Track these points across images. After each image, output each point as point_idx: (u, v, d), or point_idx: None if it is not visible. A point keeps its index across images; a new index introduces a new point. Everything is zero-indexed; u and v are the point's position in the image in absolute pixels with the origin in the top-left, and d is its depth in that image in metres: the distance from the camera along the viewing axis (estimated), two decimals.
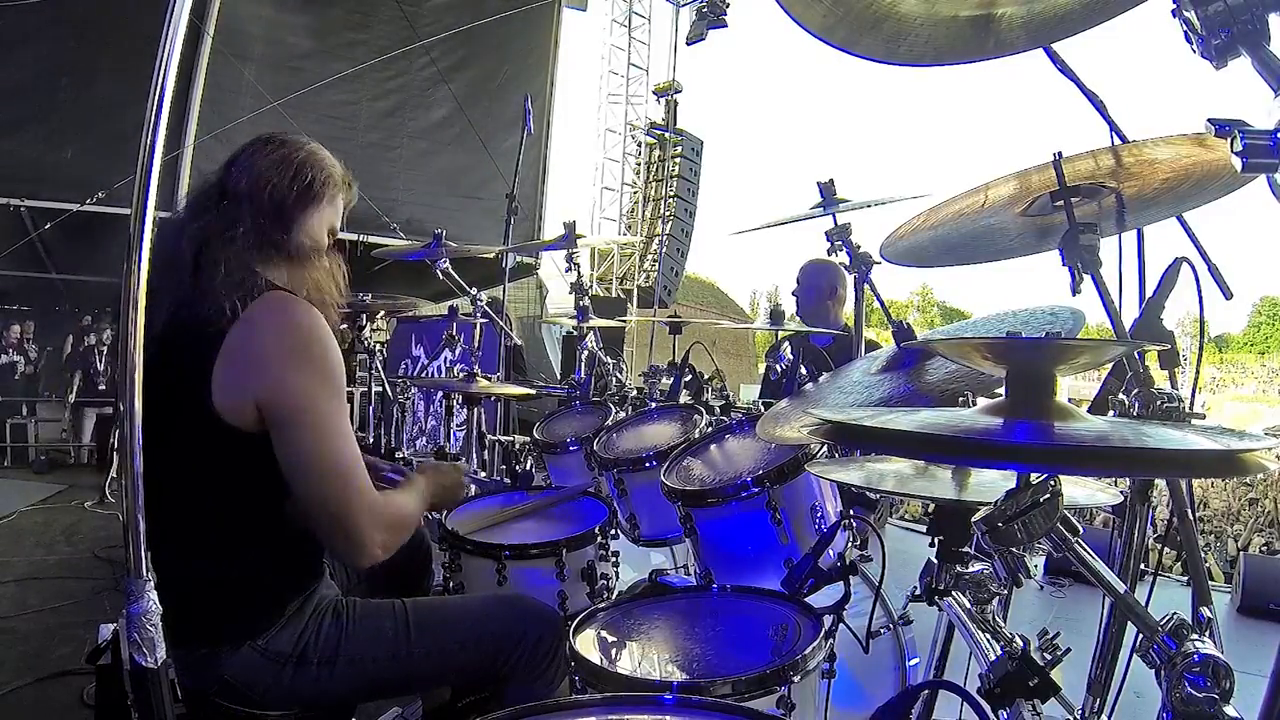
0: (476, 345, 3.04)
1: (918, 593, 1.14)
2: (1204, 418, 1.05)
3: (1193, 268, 1.07)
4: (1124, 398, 1.05)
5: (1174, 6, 0.71)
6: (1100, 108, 1.20)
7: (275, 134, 1.51)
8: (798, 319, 3.28)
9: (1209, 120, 0.70)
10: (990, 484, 1.15)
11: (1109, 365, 1.10)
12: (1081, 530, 0.81)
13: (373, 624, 1.42)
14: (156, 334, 1.36)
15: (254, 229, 1.38)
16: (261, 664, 1.32)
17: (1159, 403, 1.01)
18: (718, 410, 2.25)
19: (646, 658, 1.21)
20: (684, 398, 2.46)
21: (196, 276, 1.33)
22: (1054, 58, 1.15)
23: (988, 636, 1.01)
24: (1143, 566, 1.19)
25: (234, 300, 1.29)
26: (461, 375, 2.75)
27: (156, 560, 1.37)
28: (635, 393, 2.87)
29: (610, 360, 2.98)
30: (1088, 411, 0.85)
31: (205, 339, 1.29)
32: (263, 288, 1.33)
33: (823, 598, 1.29)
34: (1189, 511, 1.12)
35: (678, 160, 14.77)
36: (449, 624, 1.47)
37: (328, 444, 1.28)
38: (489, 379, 2.77)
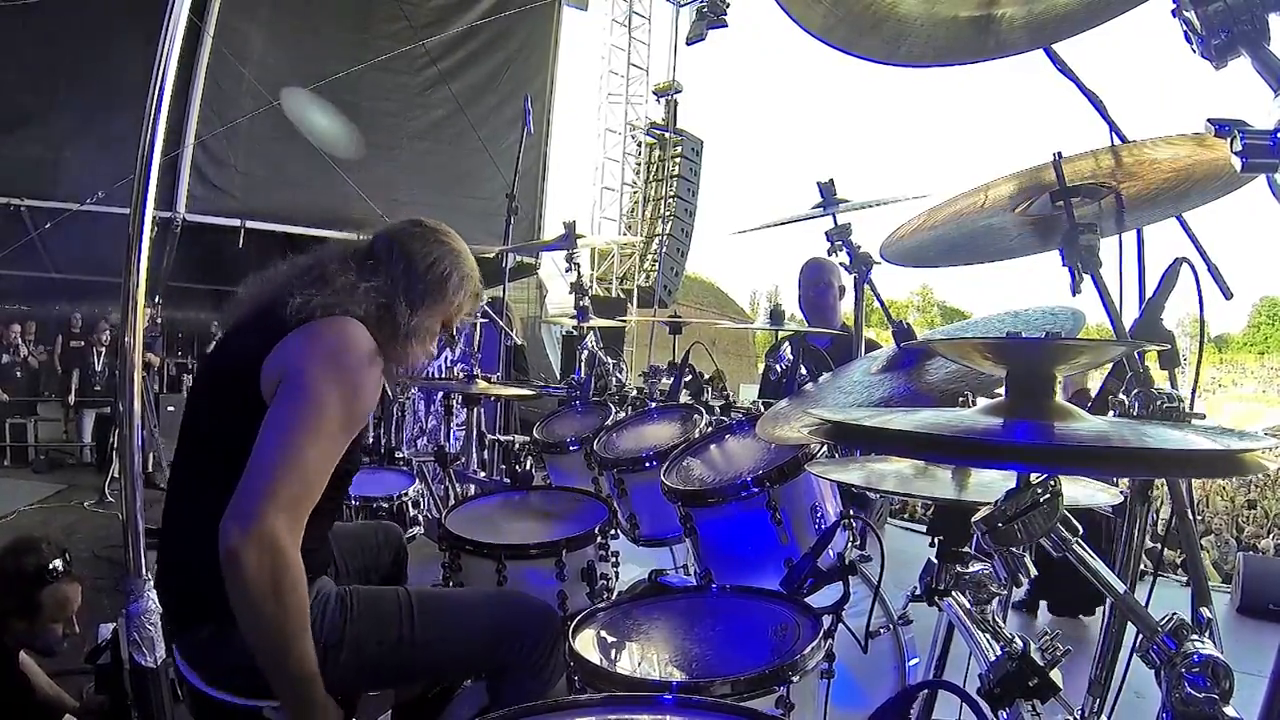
0: (476, 345, 3.05)
1: (918, 593, 1.14)
2: (1204, 417, 1.05)
3: (1193, 268, 1.07)
4: (1124, 398, 1.04)
5: (1174, 6, 0.71)
6: (1100, 108, 1.20)
7: (430, 223, 1.58)
8: (802, 317, 3.28)
9: (1209, 120, 0.70)
10: (990, 484, 1.15)
11: (1109, 365, 1.10)
12: (1081, 530, 0.81)
13: (377, 610, 1.44)
14: (234, 324, 1.46)
15: (378, 293, 1.43)
16: None
17: (1159, 403, 1.01)
18: (718, 410, 2.26)
19: (646, 658, 1.21)
20: (684, 398, 2.46)
21: (301, 287, 1.39)
22: (1054, 58, 1.15)
23: (988, 636, 1.01)
24: (1143, 566, 1.19)
25: (314, 313, 1.36)
26: (461, 375, 2.76)
27: (168, 540, 1.38)
28: (635, 393, 2.87)
29: (610, 360, 2.98)
30: (1087, 411, 0.85)
31: (270, 331, 1.34)
32: (342, 313, 1.38)
33: (822, 598, 1.29)
34: (1189, 511, 1.12)
35: (678, 160, 14.76)
36: (450, 614, 1.50)
37: (306, 434, 1.26)
38: (489, 379, 2.77)
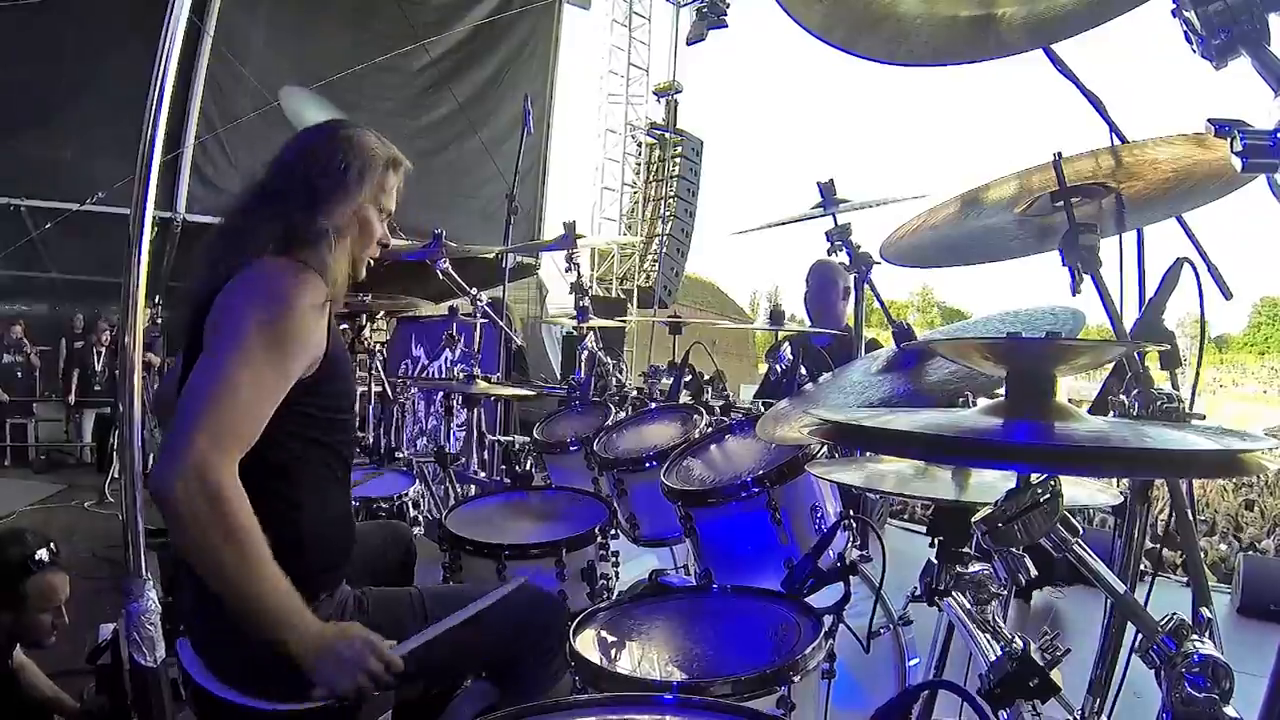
0: (476, 346, 3.05)
1: (918, 593, 1.14)
2: (1204, 418, 1.05)
3: (1193, 268, 1.07)
4: (1124, 398, 1.04)
5: (1174, 6, 0.71)
6: (1100, 108, 1.20)
7: (330, 121, 1.51)
8: (806, 318, 3.28)
9: (1209, 120, 0.70)
10: (990, 484, 1.15)
11: (1109, 365, 1.10)
12: (1081, 530, 0.81)
13: (392, 611, 1.44)
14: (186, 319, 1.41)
15: (283, 214, 1.38)
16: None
17: (1159, 403, 1.01)
18: (718, 410, 2.25)
19: (646, 658, 1.21)
20: (684, 398, 2.46)
21: (218, 258, 1.35)
22: (1054, 58, 1.15)
23: (988, 637, 1.01)
24: (1143, 566, 1.19)
25: (230, 274, 1.31)
26: (462, 376, 2.76)
27: None
28: (635, 393, 2.87)
29: (610, 360, 2.98)
30: (1087, 411, 0.85)
31: (202, 306, 1.31)
32: (263, 253, 1.34)
33: (823, 598, 1.29)
34: (1189, 511, 1.12)
35: (678, 160, 14.75)
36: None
37: (229, 361, 1.21)
38: (489, 379, 2.77)
